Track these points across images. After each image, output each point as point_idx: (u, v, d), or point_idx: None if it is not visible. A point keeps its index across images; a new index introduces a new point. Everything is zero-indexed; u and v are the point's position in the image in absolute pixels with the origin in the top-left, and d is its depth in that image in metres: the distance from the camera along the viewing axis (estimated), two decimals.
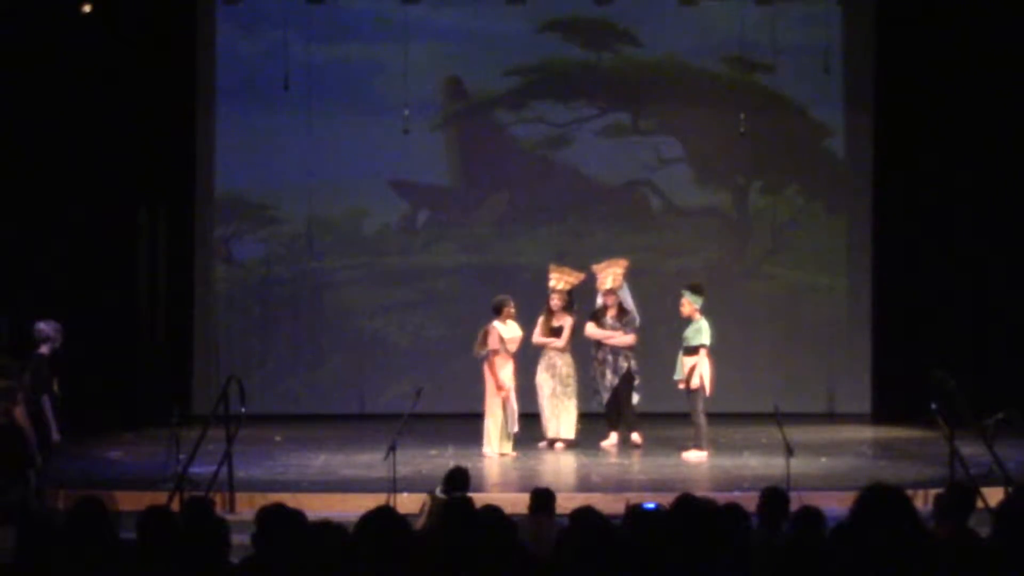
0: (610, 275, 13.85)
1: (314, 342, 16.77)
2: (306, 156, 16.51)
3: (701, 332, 13.15)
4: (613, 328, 13.83)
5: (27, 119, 14.74)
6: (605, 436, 13.90)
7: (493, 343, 13.27)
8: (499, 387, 13.24)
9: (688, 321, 13.26)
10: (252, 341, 16.71)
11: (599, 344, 13.88)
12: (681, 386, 13.18)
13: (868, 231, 16.41)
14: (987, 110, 15.49)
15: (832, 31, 16.37)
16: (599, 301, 13.97)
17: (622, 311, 13.88)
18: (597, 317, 13.93)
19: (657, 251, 16.04)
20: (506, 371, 13.31)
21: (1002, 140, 15.57)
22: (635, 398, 13.88)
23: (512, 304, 13.49)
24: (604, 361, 13.86)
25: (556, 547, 5.39)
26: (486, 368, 13.36)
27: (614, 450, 13.67)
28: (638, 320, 13.85)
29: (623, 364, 13.81)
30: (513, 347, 13.41)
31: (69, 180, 15.10)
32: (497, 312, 13.41)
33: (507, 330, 13.38)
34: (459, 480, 9.04)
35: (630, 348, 13.83)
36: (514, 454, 13.23)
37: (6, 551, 6.35)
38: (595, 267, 14.04)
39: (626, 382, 13.82)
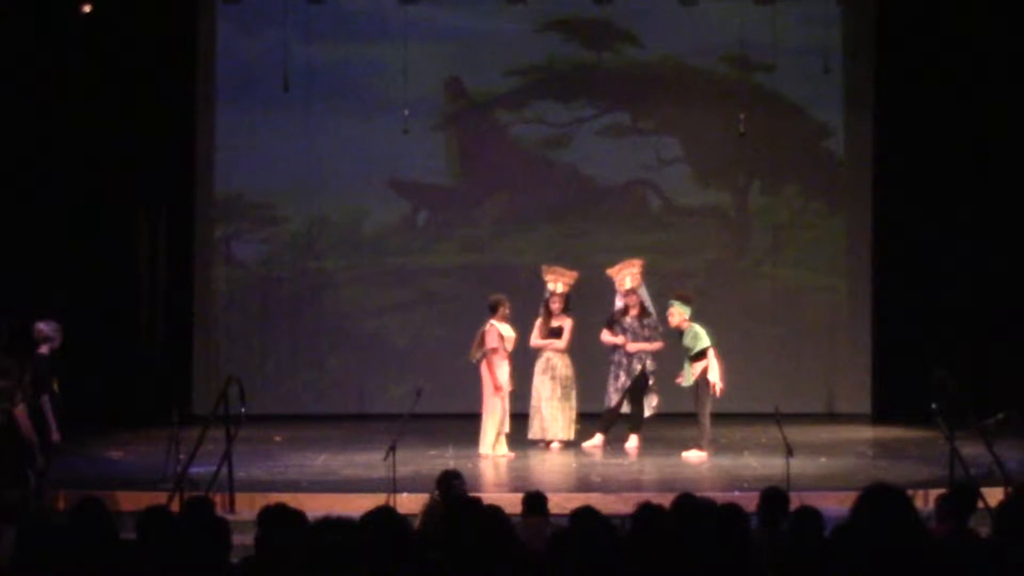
0: (628, 275, 13.77)
1: (314, 342, 16.76)
2: (306, 156, 16.50)
3: (699, 337, 13.11)
4: (633, 329, 13.72)
5: (27, 119, 14.74)
6: (590, 436, 13.80)
7: (492, 341, 13.22)
8: (496, 387, 13.22)
9: (679, 331, 13.25)
10: (252, 341, 16.70)
11: (614, 345, 13.78)
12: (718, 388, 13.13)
13: (868, 231, 16.39)
14: (987, 110, 15.48)
15: (832, 31, 16.35)
16: (618, 303, 13.88)
17: (643, 312, 13.78)
18: (615, 320, 13.81)
19: (657, 251, 16.00)
20: (503, 371, 13.27)
21: (1002, 139, 15.57)
22: (649, 401, 13.73)
23: (508, 304, 13.46)
24: (619, 364, 13.71)
25: (549, 544, 5.37)
26: (484, 368, 13.33)
27: (597, 451, 13.55)
28: (660, 325, 13.72)
29: (637, 367, 13.68)
30: (510, 346, 13.38)
31: (69, 180, 15.10)
32: (493, 311, 13.37)
33: (504, 329, 13.36)
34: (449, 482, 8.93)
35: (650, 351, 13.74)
36: (512, 455, 13.22)
37: (6, 551, 6.35)
38: (609, 271, 13.94)
39: (640, 384, 13.75)
